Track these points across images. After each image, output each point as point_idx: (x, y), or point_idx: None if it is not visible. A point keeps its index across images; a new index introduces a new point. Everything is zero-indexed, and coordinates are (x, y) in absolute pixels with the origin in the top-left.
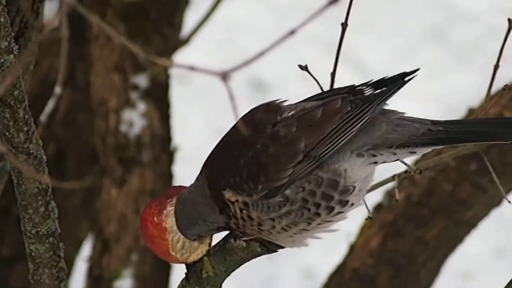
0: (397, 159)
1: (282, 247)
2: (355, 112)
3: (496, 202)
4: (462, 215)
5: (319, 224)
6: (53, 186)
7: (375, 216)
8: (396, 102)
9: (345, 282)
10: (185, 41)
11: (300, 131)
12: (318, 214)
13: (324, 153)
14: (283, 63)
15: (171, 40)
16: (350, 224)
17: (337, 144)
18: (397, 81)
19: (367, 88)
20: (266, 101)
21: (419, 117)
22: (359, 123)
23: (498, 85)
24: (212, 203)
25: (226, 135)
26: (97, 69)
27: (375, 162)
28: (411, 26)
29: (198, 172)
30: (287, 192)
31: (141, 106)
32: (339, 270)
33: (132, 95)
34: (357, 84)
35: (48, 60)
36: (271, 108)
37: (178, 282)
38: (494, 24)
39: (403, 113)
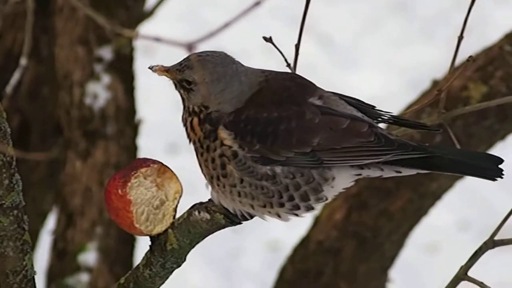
0: (382, 175)
1: (246, 220)
2: (374, 146)
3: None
4: (427, 187)
5: (269, 212)
6: (18, 158)
7: None
8: (362, 73)
9: (310, 255)
10: (149, 14)
11: (321, 127)
12: (282, 205)
13: (327, 162)
14: (248, 35)
15: (135, 12)
16: None
17: (343, 163)
18: (414, 127)
19: (383, 118)
20: None
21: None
22: (372, 159)
23: (462, 57)
24: (231, 106)
25: (281, 75)
26: (62, 41)
27: (359, 175)
28: None
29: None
30: (277, 169)
31: (106, 78)
32: (304, 242)
33: (96, 68)
34: (377, 108)
35: (12, 33)
36: (311, 85)
37: (143, 255)
38: None
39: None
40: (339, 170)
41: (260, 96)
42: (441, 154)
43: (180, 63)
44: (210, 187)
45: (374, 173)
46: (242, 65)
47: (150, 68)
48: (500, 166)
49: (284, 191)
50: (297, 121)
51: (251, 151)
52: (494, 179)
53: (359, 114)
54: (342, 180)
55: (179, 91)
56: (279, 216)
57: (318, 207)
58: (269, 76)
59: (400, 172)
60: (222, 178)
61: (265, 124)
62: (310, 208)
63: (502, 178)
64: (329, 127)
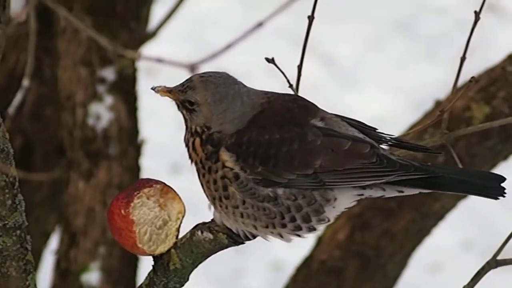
0: (384, 195)
1: (249, 240)
2: (376, 168)
3: (463, 194)
4: (430, 207)
5: (271, 232)
6: (21, 179)
7: None
8: (365, 93)
9: (313, 275)
10: (151, 35)
11: (322, 149)
12: (284, 226)
13: (330, 183)
14: (251, 56)
15: (138, 34)
16: None
17: (345, 185)
18: (415, 150)
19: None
20: None
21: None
22: (374, 180)
23: (465, 77)
24: (233, 126)
25: (283, 97)
26: (64, 63)
27: (362, 195)
28: (379, 19)
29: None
30: (279, 191)
31: (108, 99)
32: (307, 262)
33: (99, 89)
34: (379, 131)
35: (15, 53)
36: (313, 107)
37: (146, 275)
38: (461, 17)
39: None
40: (341, 191)
41: (262, 117)
42: (443, 173)
43: (182, 84)
44: (212, 208)
45: (376, 193)
46: (245, 86)
47: (153, 88)
48: (502, 184)
49: (286, 213)
50: (299, 143)
51: (253, 173)
52: (496, 198)
53: (361, 136)
54: (344, 200)
55: (181, 112)
56: (281, 236)
57: (321, 228)
58: (271, 98)
59: (402, 192)
60: (225, 200)
61: (267, 146)
62: (312, 229)
63: (504, 196)
64: (331, 148)
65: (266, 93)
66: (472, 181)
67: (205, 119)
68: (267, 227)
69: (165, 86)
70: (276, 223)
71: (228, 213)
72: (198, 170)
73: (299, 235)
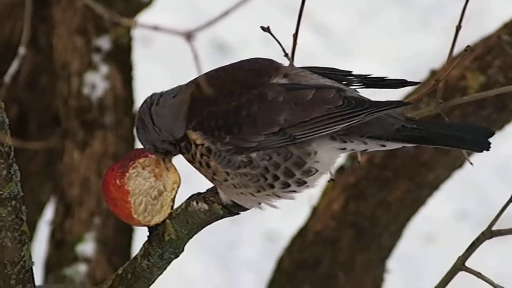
0: (366, 149)
1: (244, 210)
2: (344, 110)
3: (458, 164)
4: (425, 177)
5: (268, 195)
6: (16, 148)
7: (338, 179)
8: (359, 62)
9: (308, 245)
10: (147, 3)
11: (285, 104)
12: (272, 186)
13: (300, 136)
14: (246, 25)
15: (133, 2)
16: None
17: (315, 134)
18: (395, 86)
19: (361, 81)
20: (228, 62)
21: (395, 113)
22: (344, 123)
23: (460, 46)
24: (182, 122)
25: (233, 67)
26: (60, 31)
27: (344, 149)
28: None
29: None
30: (253, 155)
31: (104, 68)
32: (302, 233)
33: (94, 58)
34: (354, 72)
35: (10, 22)
36: (273, 66)
37: (141, 245)
38: None
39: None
40: (318, 143)
41: (211, 94)
42: (426, 127)
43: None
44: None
45: (358, 146)
46: (168, 93)
47: None
48: (489, 138)
49: (265, 173)
50: (259, 104)
51: (224, 144)
52: (480, 151)
53: (328, 82)
54: (326, 153)
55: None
56: (278, 196)
57: (313, 181)
58: (212, 75)
59: (385, 146)
60: (215, 176)
61: (226, 116)
62: (302, 183)
63: (488, 150)
64: (294, 102)
65: (193, 81)
66: (456, 135)
67: (166, 142)
68: (259, 191)
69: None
70: (263, 185)
71: (226, 189)
72: (190, 163)
73: (294, 191)
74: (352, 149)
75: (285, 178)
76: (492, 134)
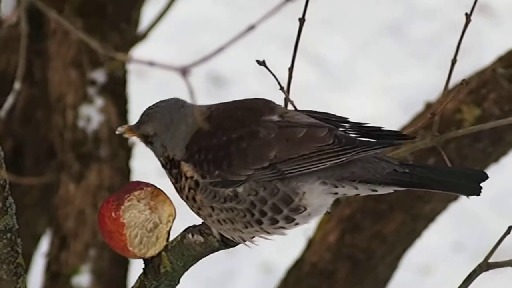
0: (358, 194)
1: (239, 243)
2: (334, 148)
3: (454, 196)
4: (420, 210)
5: (256, 231)
6: (11, 182)
7: (333, 211)
8: (355, 95)
9: (304, 277)
10: (142, 37)
11: (276, 140)
12: (260, 222)
13: (289, 172)
14: (241, 58)
15: (128, 36)
16: None
17: (304, 170)
18: (388, 138)
19: (356, 130)
20: (224, 95)
21: (388, 157)
22: (333, 160)
23: (455, 79)
24: (183, 148)
25: (231, 105)
26: (55, 64)
27: (336, 193)
28: (369, 21)
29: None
30: (239, 189)
31: (99, 101)
32: (298, 265)
33: (89, 91)
34: (351, 120)
35: (6, 56)
36: (268, 106)
37: (136, 277)
38: (451, 20)
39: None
40: (308, 185)
41: (208, 129)
42: (418, 172)
43: (137, 120)
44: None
45: (349, 191)
46: (191, 106)
47: (119, 131)
48: (482, 183)
49: (252, 208)
50: (250, 140)
51: (213, 178)
52: (470, 195)
53: (321, 123)
54: (317, 197)
55: (148, 147)
56: (268, 233)
57: (303, 220)
58: (214, 111)
59: (376, 191)
60: (200, 211)
61: (216, 150)
62: (291, 220)
63: (478, 195)
64: (286, 138)
65: (209, 107)
66: (447, 180)
67: (162, 148)
68: (246, 227)
69: (128, 125)
70: (250, 221)
71: (212, 223)
72: (180, 196)
73: (283, 228)
74: (344, 194)
75: (273, 214)
76: (486, 178)
